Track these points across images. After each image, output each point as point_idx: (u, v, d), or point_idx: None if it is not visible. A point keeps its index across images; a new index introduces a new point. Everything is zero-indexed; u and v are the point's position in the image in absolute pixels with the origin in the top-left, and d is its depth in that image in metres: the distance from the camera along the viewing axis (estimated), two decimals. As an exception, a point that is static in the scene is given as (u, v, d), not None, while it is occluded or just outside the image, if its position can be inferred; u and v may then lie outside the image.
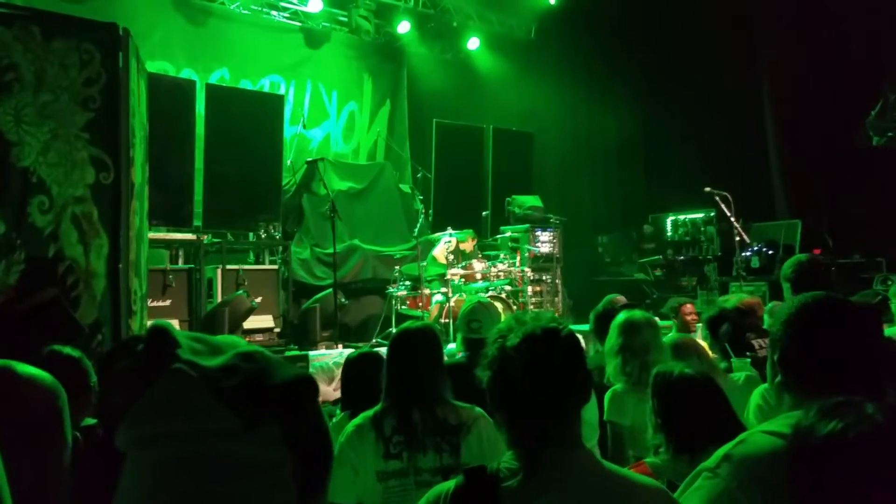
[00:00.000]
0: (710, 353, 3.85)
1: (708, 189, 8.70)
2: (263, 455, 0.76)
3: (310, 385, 0.82)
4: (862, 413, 1.11)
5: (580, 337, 1.67)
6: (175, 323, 6.67)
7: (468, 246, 8.44)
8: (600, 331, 4.00)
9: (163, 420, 0.75)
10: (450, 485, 1.49)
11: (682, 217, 10.87)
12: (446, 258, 8.11)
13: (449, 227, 8.50)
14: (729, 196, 8.58)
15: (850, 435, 1.08)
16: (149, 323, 4.51)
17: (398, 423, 2.39)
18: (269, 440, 0.76)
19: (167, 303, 6.76)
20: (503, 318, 2.17)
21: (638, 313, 3.33)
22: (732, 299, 4.52)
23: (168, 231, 7.46)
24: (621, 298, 5.05)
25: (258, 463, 0.75)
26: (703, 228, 10.51)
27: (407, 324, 2.72)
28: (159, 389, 0.76)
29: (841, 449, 1.08)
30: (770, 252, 8.87)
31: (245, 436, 0.75)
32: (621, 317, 3.28)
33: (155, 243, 6.83)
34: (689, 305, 5.82)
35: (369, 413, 2.47)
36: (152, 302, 6.30)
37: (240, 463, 0.75)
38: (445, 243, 8.28)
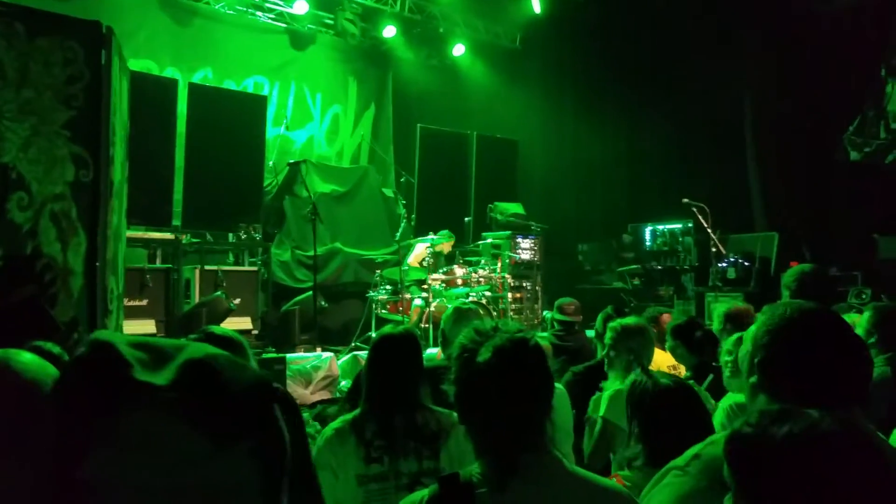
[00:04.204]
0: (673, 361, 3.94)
1: (686, 200, 8.81)
2: (236, 474, 0.75)
3: (270, 389, 0.81)
4: (811, 419, 1.14)
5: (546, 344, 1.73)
6: (151, 323, 6.64)
7: (446, 248, 8.43)
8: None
9: (132, 454, 0.73)
10: (424, 493, 1.52)
11: (660, 227, 10.98)
12: (420, 264, 8.10)
13: (430, 233, 8.51)
14: (706, 207, 8.69)
15: (807, 438, 1.11)
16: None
17: (379, 427, 2.40)
18: (239, 456, 0.75)
19: (144, 302, 6.70)
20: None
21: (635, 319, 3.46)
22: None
23: (147, 230, 7.40)
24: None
25: (233, 483, 0.74)
26: (680, 239, 10.62)
27: (387, 328, 2.73)
28: (124, 420, 0.74)
29: (798, 452, 1.11)
30: (746, 264, 8.98)
31: (217, 457, 0.74)
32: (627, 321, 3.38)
33: (133, 242, 6.78)
34: (667, 315, 5.89)
35: (349, 417, 2.48)
36: (129, 301, 6.24)
37: (215, 487, 0.74)
38: (426, 248, 8.28)
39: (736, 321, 3.69)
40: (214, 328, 2.67)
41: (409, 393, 2.47)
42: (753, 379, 1.59)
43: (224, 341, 2.48)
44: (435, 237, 8.24)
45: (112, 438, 0.74)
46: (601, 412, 3.14)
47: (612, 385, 3.24)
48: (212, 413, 0.75)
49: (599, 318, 4.36)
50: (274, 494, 0.80)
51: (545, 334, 5.63)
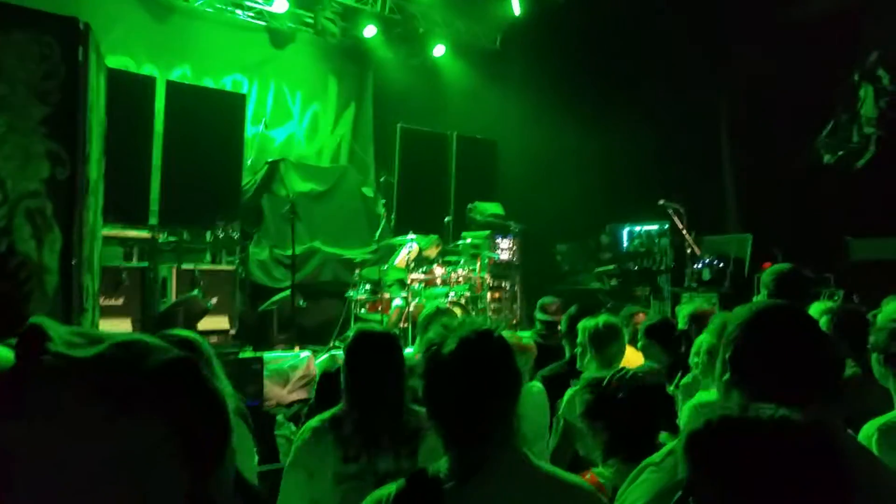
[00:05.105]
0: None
1: (662, 202, 8.92)
2: (138, 442, 0.76)
3: (189, 366, 0.82)
4: (758, 415, 1.16)
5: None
6: (127, 322, 6.58)
7: (432, 252, 8.44)
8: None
9: (29, 419, 0.74)
10: (391, 488, 1.52)
11: (637, 228, 11.08)
12: (407, 266, 8.11)
13: (410, 232, 8.51)
14: (681, 209, 8.81)
15: (754, 434, 1.13)
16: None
17: (358, 426, 2.40)
18: (143, 427, 0.76)
19: (120, 301, 6.63)
20: None
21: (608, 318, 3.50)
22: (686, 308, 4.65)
23: (123, 228, 7.33)
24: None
25: (132, 451, 0.75)
26: (657, 240, 10.72)
27: (363, 327, 2.73)
28: (25, 387, 0.76)
29: (740, 448, 1.13)
30: (721, 265, 9.09)
31: (116, 424, 0.75)
32: (597, 321, 3.41)
33: (109, 240, 6.71)
34: (642, 315, 5.95)
35: (326, 415, 2.48)
36: (105, 300, 6.19)
37: (113, 452, 0.75)
38: (408, 251, 8.28)
39: (700, 322, 3.76)
40: (171, 331, 2.67)
41: (390, 391, 2.48)
42: (726, 376, 1.62)
43: (180, 343, 2.46)
44: (417, 237, 8.23)
45: (21, 408, 0.75)
46: (560, 412, 3.18)
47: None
48: (112, 382, 0.77)
49: (564, 318, 4.38)
50: (199, 475, 0.80)
51: (528, 333, 5.66)
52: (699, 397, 2.97)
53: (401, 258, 8.30)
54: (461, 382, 1.50)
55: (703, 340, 3.12)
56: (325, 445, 2.39)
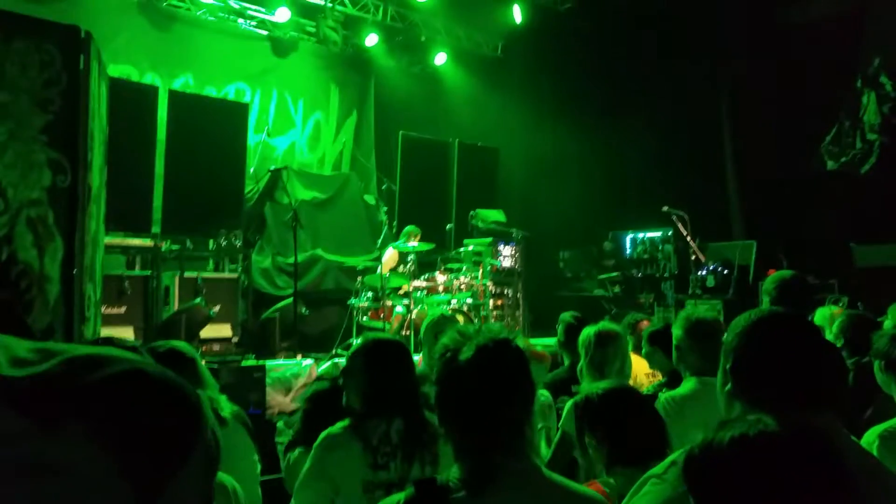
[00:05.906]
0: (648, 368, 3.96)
1: (666, 208, 8.91)
2: (66, 455, 0.73)
3: (134, 379, 0.78)
4: (743, 428, 1.14)
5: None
6: (129, 330, 6.57)
7: (414, 241, 8.36)
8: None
9: None
10: (399, 497, 1.51)
11: (641, 235, 11.06)
12: (396, 269, 8.10)
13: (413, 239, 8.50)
14: (686, 216, 8.79)
15: (735, 445, 1.13)
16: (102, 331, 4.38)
17: (386, 433, 2.36)
18: (74, 440, 0.73)
19: (122, 310, 6.63)
20: None
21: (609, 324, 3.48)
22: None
23: (125, 236, 7.33)
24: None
25: (59, 464, 0.72)
26: (660, 247, 10.69)
27: (372, 335, 2.71)
28: None
29: (726, 457, 1.13)
30: (725, 271, 9.07)
31: (42, 437, 0.72)
32: (590, 330, 3.40)
33: (111, 249, 6.71)
34: (646, 322, 5.92)
35: (344, 423, 2.44)
36: (107, 309, 6.18)
37: (35, 465, 0.72)
38: (395, 252, 8.26)
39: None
40: (159, 343, 2.64)
41: (411, 397, 2.46)
42: (728, 386, 1.60)
43: (165, 355, 2.44)
44: (401, 243, 8.20)
45: None
46: (560, 422, 3.15)
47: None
48: (40, 395, 0.74)
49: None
50: (146, 491, 0.79)
51: (551, 340, 5.62)
52: (672, 393, 2.97)
53: (385, 263, 8.31)
54: (477, 390, 1.48)
55: None
56: (351, 453, 2.33)
